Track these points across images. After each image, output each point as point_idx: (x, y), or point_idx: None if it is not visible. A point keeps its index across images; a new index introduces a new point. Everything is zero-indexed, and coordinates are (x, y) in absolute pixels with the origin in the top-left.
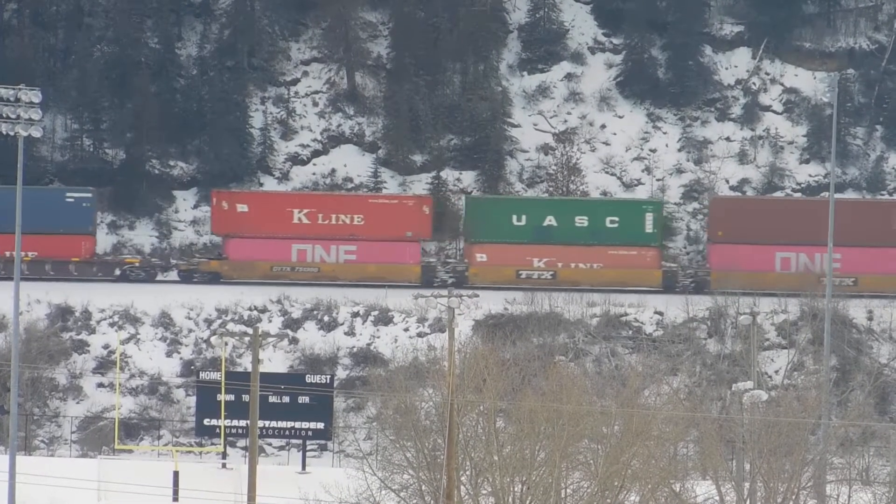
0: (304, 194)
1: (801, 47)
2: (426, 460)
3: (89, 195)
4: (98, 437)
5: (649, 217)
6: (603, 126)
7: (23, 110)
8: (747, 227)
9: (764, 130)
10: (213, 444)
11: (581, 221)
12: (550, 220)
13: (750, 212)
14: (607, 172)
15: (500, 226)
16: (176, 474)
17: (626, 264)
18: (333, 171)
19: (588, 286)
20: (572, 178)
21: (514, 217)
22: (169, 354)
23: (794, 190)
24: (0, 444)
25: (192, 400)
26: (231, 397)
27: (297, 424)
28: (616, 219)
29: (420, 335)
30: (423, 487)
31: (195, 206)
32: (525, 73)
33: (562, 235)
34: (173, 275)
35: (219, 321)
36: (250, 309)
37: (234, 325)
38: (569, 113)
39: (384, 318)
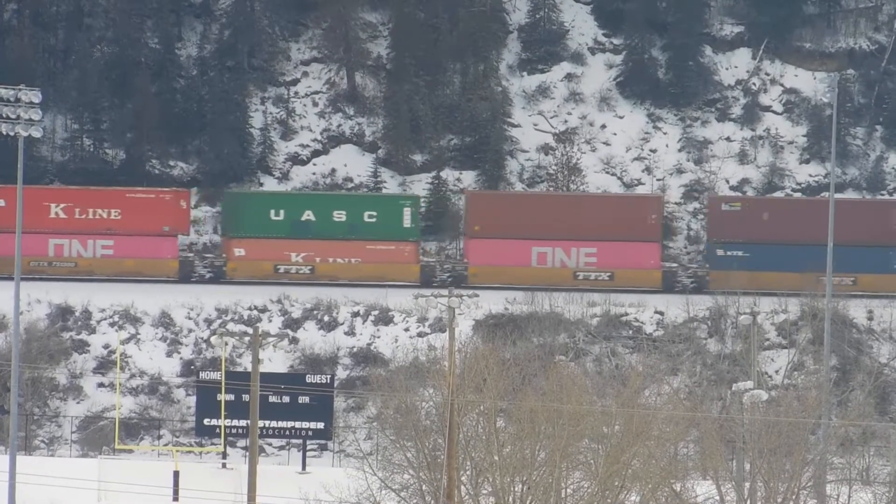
0: (61, 189)
1: (801, 48)
2: (426, 460)
3: None
4: (98, 436)
5: (407, 212)
6: (603, 126)
7: (23, 110)
8: (504, 222)
9: (764, 131)
10: (213, 443)
11: (339, 216)
12: (309, 215)
13: (506, 207)
14: (607, 172)
15: (258, 221)
16: (176, 474)
17: (385, 259)
18: (333, 171)
19: (346, 281)
20: (572, 178)
21: (273, 212)
22: (169, 354)
23: (793, 190)
24: (0, 443)
25: (193, 400)
26: (231, 397)
27: (298, 424)
28: (374, 213)
29: (420, 335)
30: (424, 487)
31: (195, 206)
32: (525, 73)
33: (320, 230)
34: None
35: (219, 321)
36: (250, 309)
37: (234, 325)
38: (569, 113)
39: (384, 318)
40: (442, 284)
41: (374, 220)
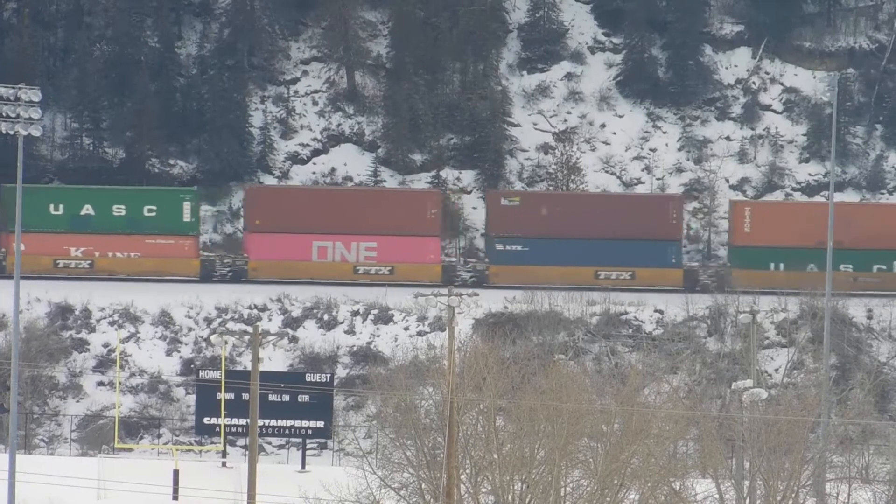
0: None
1: (801, 47)
2: (426, 459)
3: None
4: (98, 435)
5: (187, 206)
6: (603, 125)
7: (22, 109)
8: (285, 216)
9: (764, 130)
10: (212, 442)
11: (119, 210)
12: (88, 209)
13: (287, 202)
14: (607, 172)
15: (37, 215)
16: (176, 473)
17: (165, 253)
18: (333, 170)
19: (125, 276)
20: (572, 177)
21: (52, 206)
22: (169, 353)
23: (793, 189)
24: (0, 442)
25: (192, 398)
26: (231, 396)
27: (297, 423)
28: (154, 208)
29: (420, 334)
30: (423, 486)
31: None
32: (525, 72)
33: (99, 224)
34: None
35: (219, 320)
36: (250, 308)
37: (233, 324)
38: (569, 112)
39: (384, 317)
40: (222, 279)
41: (153, 214)
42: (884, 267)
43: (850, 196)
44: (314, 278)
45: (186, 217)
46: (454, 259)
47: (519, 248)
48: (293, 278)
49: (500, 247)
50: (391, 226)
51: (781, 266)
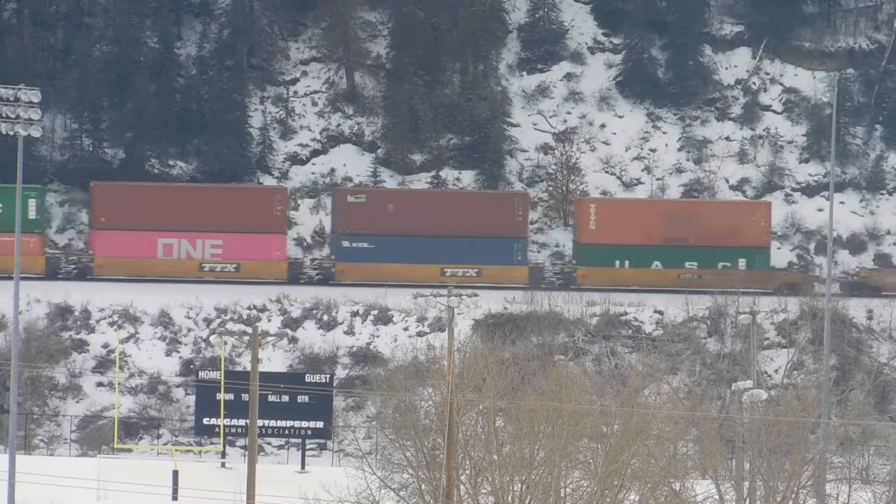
0: None
1: (800, 47)
2: (426, 459)
3: None
4: (97, 436)
5: (32, 203)
6: (603, 126)
7: (22, 110)
8: (131, 213)
9: (764, 130)
10: (212, 443)
11: None
12: None
13: (132, 198)
14: (607, 172)
15: None
16: (175, 473)
17: (9, 251)
18: (333, 170)
19: None
20: (572, 177)
21: None
22: (168, 353)
23: (793, 189)
24: (0, 443)
25: (192, 399)
26: (230, 396)
27: (297, 424)
28: (1, 205)
29: (419, 334)
30: (423, 486)
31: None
32: (524, 72)
33: None
34: None
35: (218, 320)
36: (250, 308)
37: (233, 325)
38: (568, 113)
39: (384, 318)
40: (67, 277)
41: (1, 211)
42: (728, 264)
43: (850, 197)
44: (160, 276)
45: (32, 214)
46: (299, 256)
47: (365, 245)
48: (139, 275)
49: (346, 244)
50: (237, 223)
51: (627, 263)
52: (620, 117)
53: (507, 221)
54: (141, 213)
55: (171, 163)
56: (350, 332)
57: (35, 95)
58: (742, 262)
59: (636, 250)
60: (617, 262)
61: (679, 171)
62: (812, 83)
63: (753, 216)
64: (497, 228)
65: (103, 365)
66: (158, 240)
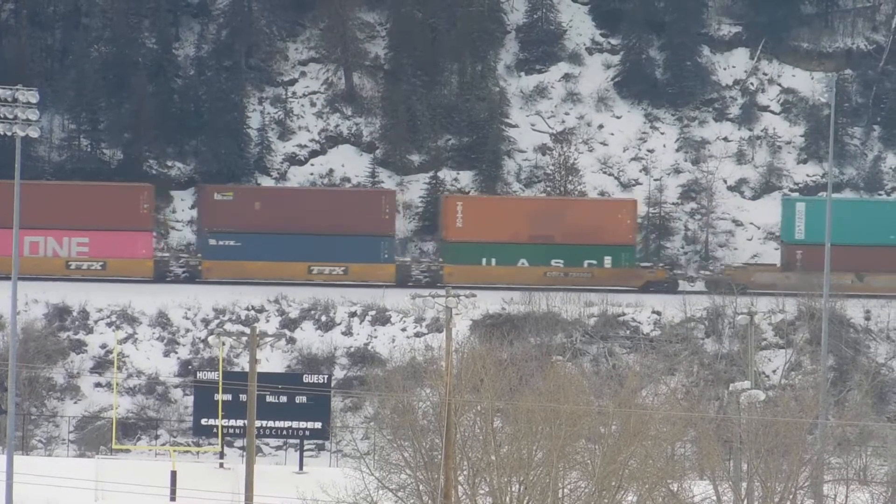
0: None
1: (798, 47)
2: (423, 460)
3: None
4: (95, 436)
5: None
6: (601, 126)
7: (20, 110)
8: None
9: (762, 130)
10: (210, 443)
11: None
12: None
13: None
14: (605, 173)
15: None
16: (173, 474)
17: None
18: (331, 171)
19: None
20: (570, 178)
21: None
22: (166, 354)
23: (791, 190)
24: None
25: (190, 400)
26: (228, 397)
27: (295, 424)
28: None
29: (417, 335)
30: (421, 487)
31: (193, 207)
32: (523, 73)
33: None
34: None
35: (216, 321)
36: (248, 309)
37: (231, 325)
38: (566, 113)
39: (381, 318)
40: None
41: None
42: (594, 262)
43: (848, 197)
44: (25, 274)
45: None
46: (166, 254)
47: (232, 242)
48: (4, 273)
49: (213, 242)
50: (103, 221)
51: (493, 261)
52: (618, 118)
53: (373, 219)
54: (4, 210)
55: (169, 163)
56: (348, 332)
57: (33, 96)
58: (608, 260)
59: (502, 248)
60: (483, 260)
61: (677, 171)
62: (810, 84)
63: (619, 214)
64: (364, 226)
65: (101, 365)
66: (25, 237)
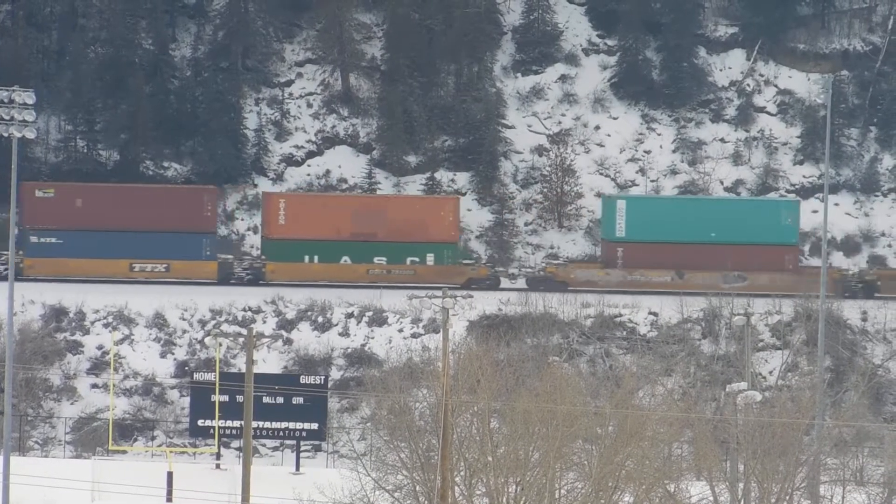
0: None
1: (795, 49)
2: (420, 461)
3: None
4: (92, 437)
5: None
6: (597, 127)
7: (17, 112)
8: None
9: (758, 132)
10: (207, 444)
11: None
12: None
13: None
14: (601, 174)
15: None
16: (170, 475)
17: None
18: (328, 172)
19: None
20: (566, 179)
21: None
22: (163, 355)
23: (787, 191)
24: None
25: (186, 401)
26: (225, 398)
27: (291, 425)
28: None
29: (414, 336)
30: (418, 488)
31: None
32: (519, 74)
33: None
34: None
35: (213, 322)
36: (244, 310)
37: (228, 326)
38: (563, 114)
39: (378, 319)
40: None
41: None
42: (417, 259)
43: (844, 198)
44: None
45: None
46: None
47: (54, 240)
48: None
49: (34, 239)
50: None
51: (316, 258)
52: (615, 119)
53: (195, 217)
54: (92, 210)
55: (166, 164)
56: (345, 333)
57: (29, 97)
58: (430, 258)
59: (325, 245)
60: (306, 258)
61: (673, 172)
62: (806, 85)
63: (441, 211)
64: (186, 223)
65: (98, 367)
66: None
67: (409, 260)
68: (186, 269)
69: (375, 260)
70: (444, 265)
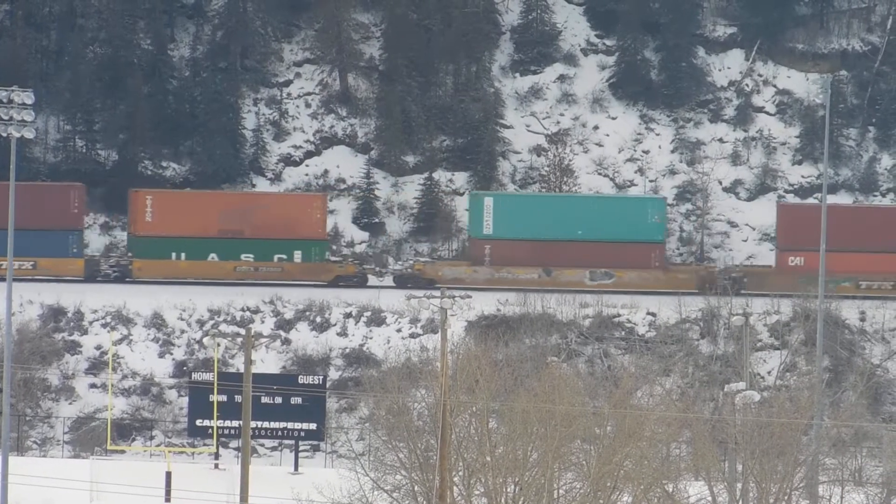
0: None
1: (793, 49)
2: (419, 461)
3: None
4: (90, 437)
5: None
6: (596, 127)
7: (15, 112)
8: None
9: (757, 132)
10: (205, 444)
11: None
12: None
13: None
14: (600, 174)
15: None
16: (168, 475)
17: None
18: (326, 172)
19: None
20: (565, 179)
21: None
22: (161, 355)
23: (786, 191)
24: None
25: (185, 401)
26: (223, 398)
27: (290, 425)
28: None
29: (412, 336)
30: (416, 488)
31: None
32: (518, 74)
33: None
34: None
35: (211, 322)
36: (243, 310)
37: (226, 326)
38: (561, 114)
39: (377, 319)
40: None
41: None
42: (285, 256)
43: (843, 198)
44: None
45: None
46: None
47: None
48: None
49: None
50: None
51: (183, 255)
52: (613, 119)
53: (62, 213)
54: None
55: (164, 164)
56: (343, 333)
57: (28, 97)
58: (298, 255)
59: (192, 242)
60: (173, 255)
61: (672, 172)
62: (805, 85)
63: (309, 208)
64: (52, 221)
65: (96, 366)
66: None
67: (276, 257)
68: (53, 266)
69: (243, 257)
70: (311, 262)
